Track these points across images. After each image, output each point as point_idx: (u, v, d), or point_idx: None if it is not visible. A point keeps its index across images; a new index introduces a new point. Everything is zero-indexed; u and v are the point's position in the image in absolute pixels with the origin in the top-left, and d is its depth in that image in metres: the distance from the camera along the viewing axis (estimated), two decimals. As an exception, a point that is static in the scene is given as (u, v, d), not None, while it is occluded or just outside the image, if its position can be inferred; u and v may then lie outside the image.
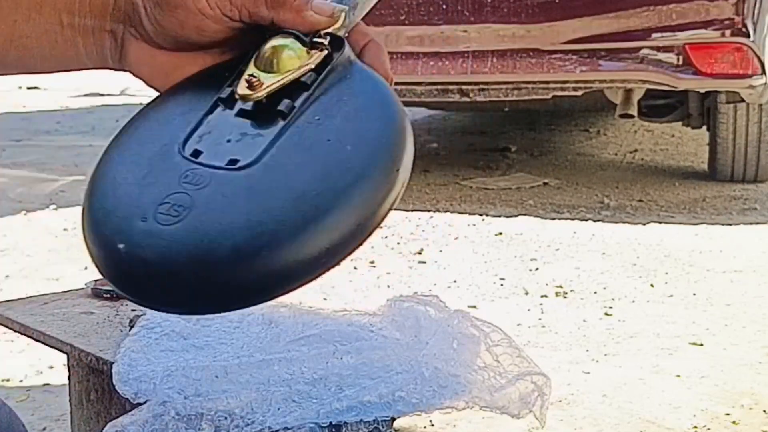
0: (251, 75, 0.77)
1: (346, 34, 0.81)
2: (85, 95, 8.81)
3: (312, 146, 0.74)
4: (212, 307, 0.74)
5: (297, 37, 0.78)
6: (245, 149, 0.75)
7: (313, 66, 0.77)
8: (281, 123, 0.75)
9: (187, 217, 0.71)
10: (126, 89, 9.15)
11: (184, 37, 0.78)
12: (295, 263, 0.71)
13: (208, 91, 0.79)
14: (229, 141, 0.76)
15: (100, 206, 0.76)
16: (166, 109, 0.81)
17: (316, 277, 0.72)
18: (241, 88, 0.77)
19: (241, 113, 0.77)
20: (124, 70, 0.82)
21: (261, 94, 0.76)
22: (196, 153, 0.75)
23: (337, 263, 0.72)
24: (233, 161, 0.74)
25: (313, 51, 0.78)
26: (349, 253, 0.73)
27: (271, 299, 0.73)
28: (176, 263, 0.71)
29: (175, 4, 0.76)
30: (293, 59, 0.77)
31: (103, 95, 8.80)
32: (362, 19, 0.83)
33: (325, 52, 0.78)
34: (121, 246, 0.73)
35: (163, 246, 0.71)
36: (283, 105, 0.76)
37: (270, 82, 0.76)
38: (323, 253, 0.71)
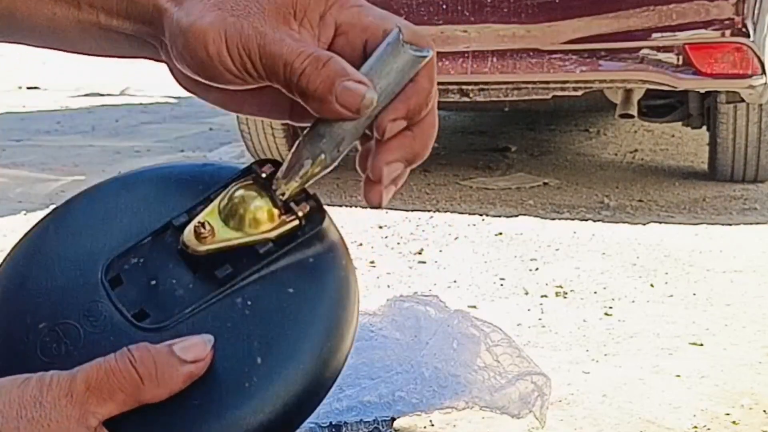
0: (205, 223, 0.67)
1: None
2: (85, 95, 8.81)
3: (228, 340, 0.64)
4: None
5: (271, 198, 0.67)
6: (162, 304, 0.66)
7: (274, 236, 0.67)
8: (210, 294, 0.66)
9: (66, 359, 0.63)
10: (126, 89, 9.15)
11: (210, 82, 0.69)
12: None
13: (169, 205, 0.70)
14: (153, 283, 0.67)
15: (6, 297, 0.68)
16: (117, 202, 0.71)
17: None
18: (187, 235, 0.67)
19: (182, 254, 0.67)
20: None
21: (203, 249, 0.66)
22: (115, 281, 0.67)
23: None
24: (142, 314, 0.66)
25: (284, 217, 0.67)
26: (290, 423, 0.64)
27: None
28: None
29: (194, 49, 0.67)
30: (260, 222, 0.67)
31: (103, 95, 8.81)
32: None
33: (296, 223, 0.67)
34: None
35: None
36: (222, 271, 0.66)
37: (221, 238, 0.67)
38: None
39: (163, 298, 0.66)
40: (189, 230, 0.67)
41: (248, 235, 0.67)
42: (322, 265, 0.68)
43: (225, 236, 0.67)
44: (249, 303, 0.66)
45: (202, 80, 0.69)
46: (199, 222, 0.67)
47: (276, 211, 0.67)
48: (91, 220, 0.71)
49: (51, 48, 0.78)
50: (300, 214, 0.67)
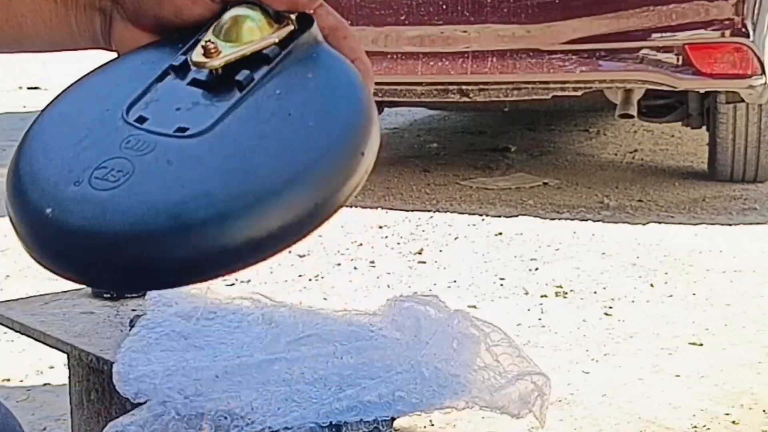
0: (209, 41, 0.71)
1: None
2: (85, 95, 8.81)
3: (270, 119, 0.68)
4: (142, 283, 0.67)
5: (262, 9, 0.72)
6: (196, 118, 0.68)
7: (276, 40, 0.72)
8: (237, 94, 0.69)
9: (125, 183, 0.65)
10: (126, 89, 9.15)
11: (163, 18, 0.75)
12: (241, 242, 0.64)
13: (161, 57, 0.73)
14: (178, 109, 0.69)
15: (28, 169, 0.69)
16: (113, 74, 0.75)
17: (262, 259, 0.65)
18: (197, 55, 0.71)
19: (194, 82, 0.71)
20: (112, 50, 0.79)
21: (217, 62, 0.70)
22: (141, 119, 0.69)
23: (288, 246, 0.66)
24: (182, 129, 0.68)
25: (278, 25, 0.72)
26: (304, 236, 0.66)
27: (208, 279, 0.65)
28: (108, 232, 0.64)
29: None
30: (255, 30, 0.71)
31: (103, 95, 8.81)
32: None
33: (291, 27, 0.73)
34: (48, 210, 0.65)
35: (96, 212, 0.64)
36: (241, 75, 0.70)
37: (228, 51, 0.70)
38: (273, 234, 0.65)
39: (194, 114, 0.68)
40: (197, 52, 0.71)
41: (250, 44, 0.71)
42: (328, 53, 0.73)
43: (229, 50, 0.70)
44: (278, 92, 0.70)
45: (159, 19, 0.75)
46: (204, 41, 0.71)
47: (269, 20, 0.72)
48: (98, 88, 0.74)
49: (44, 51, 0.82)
50: (292, 17, 0.73)
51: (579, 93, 4.33)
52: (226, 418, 1.23)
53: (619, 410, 2.28)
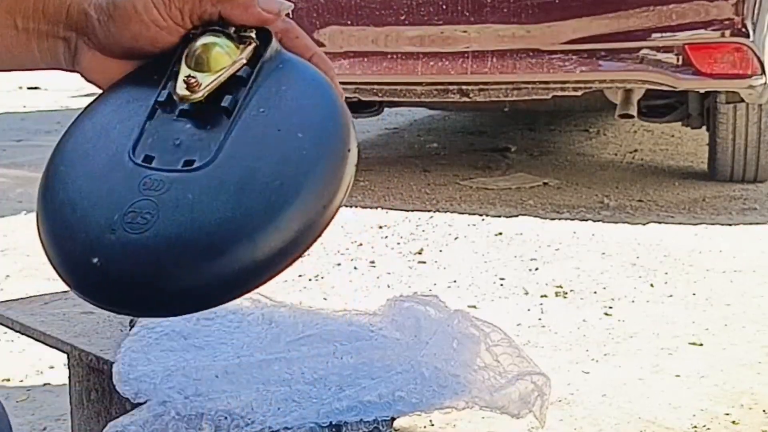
0: (188, 76, 0.76)
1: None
2: (86, 95, 8.81)
3: (264, 138, 0.74)
4: (196, 305, 0.75)
5: (225, 34, 0.78)
6: (198, 149, 0.74)
7: (245, 60, 0.78)
8: (227, 119, 0.75)
9: (156, 223, 0.71)
10: (126, 89, 9.15)
11: (137, 49, 0.79)
12: (271, 252, 0.71)
13: (143, 95, 0.79)
14: (178, 143, 0.75)
15: (62, 223, 0.75)
16: (104, 117, 0.80)
17: (295, 260, 0.73)
18: (180, 90, 0.76)
19: (183, 114, 0.77)
20: (77, 72, 0.83)
21: (200, 94, 0.76)
22: (148, 158, 0.75)
23: (307, 248, 0.73)
24: (189, 162, 0.74)
25: (243, 45, 0.78)
26: (319, 235, 0.74)
27: (252, 290, 0.73)
28: (154, 269, 0.71)
29: (128, 17, 0.77)
30: (225, 56, 0.77)
31: (103, 95, 8.80)
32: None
33: (254, 45, 0.79)
34: (95, 260, 0.72)
35: (139, 254, 0.71)
36: (226, 101, 0.76)
37: (208, 81, 0.76)
38: (293, 239, 0.72)
39: (194, 145, 0.75)
40: (180, 86, 0.76)
41: (226, 67, 0.77)
42: (291, 61, 0.80)
43: (208, 80, 0.76)
44: (261, 110, 0.76)
45: (132, 50, 0.78)
46: (184, 76, 0.76)
47: (234, 43, 0.78)
48: (98, 131, 0.78)
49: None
50: (252, 35, 0.79)
51: (579, 93, 4.33)
52: (226, 418, 1.23)
53: (619, 410, 2.28)
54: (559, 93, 4.29)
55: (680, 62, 4.07)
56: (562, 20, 4.15)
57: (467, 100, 4.42)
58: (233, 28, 0.78)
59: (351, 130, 0.77)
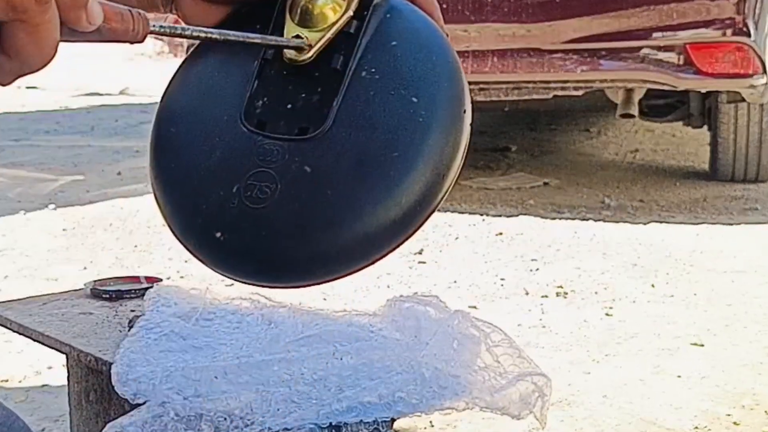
0: (296, 36, 0.74)
1: None
2: (85, 95, 8.81)
3: (377, 103, 0.72)
4: (317, 277, 0.74)
5: None
6: (310, 114, 0.73)
7: (351, 13, 0.74)
8: (338, 82, 0.73)
9: (276, 196, 0.71)
10: (126, 89, 9.15)
11: None
12: (391, 225, 0.72)
13: (249, 50, 0.76)
14: (290, 107, 0.74)
15: (183, 197, 0.74)
16: (210, 74, 0.77)
17: (415, 231, 0.74)
18: (289, 52, 0.74)
19: (292, 74, 0.74)
20: (176, 16, 0.81)
21: (310, 55, 0.74)
22: (261, 124, 0.73)
23: (428, 217, 0.74)
24: (303, 129, 0.72)
25: None
26: (438, 204, 0.74)
27: (372, 263, 0.73)
28: (276, 244, 0.71)
29: None
30: (330, 11, 0.74)
31: (102, 95, 8.80)
32: None
33: None
34: (218, 235, 0.72)
35: (261, 229, 0.71)
36: (336, 61, 0.73)
37: (315, 39, 0.73)
38: (414, 210, 0.72)
39: (307, 110, 0.73)
40: (287, 53, 0.73)
41: (333, 23, 0.74)
42: (401, 8, 0.76)
43: (317, 37, 0.73)
44: (373, 70, 0.73)
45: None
46: (292, 36, 0.73)
47: None
48: (205, 97, 0.76)
49: None
50: None
51: (580, 92, 4.32)
52: (225, 418, 1.22)
53: (620, 411, 2.27)
54: (560, 92, 4.29)
55: (681, 62, 4.07)
56: (563, 19, 4.14)
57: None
58: None
59: (465, 87, 0.75)
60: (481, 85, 4.30)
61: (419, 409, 1.24)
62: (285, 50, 0.74)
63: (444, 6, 3.93)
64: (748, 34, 4.02)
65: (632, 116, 4.63)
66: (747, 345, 2.69)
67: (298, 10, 0.74)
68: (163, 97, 0.79)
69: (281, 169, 0.71)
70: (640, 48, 4.11)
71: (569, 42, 4.14)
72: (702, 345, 2.69)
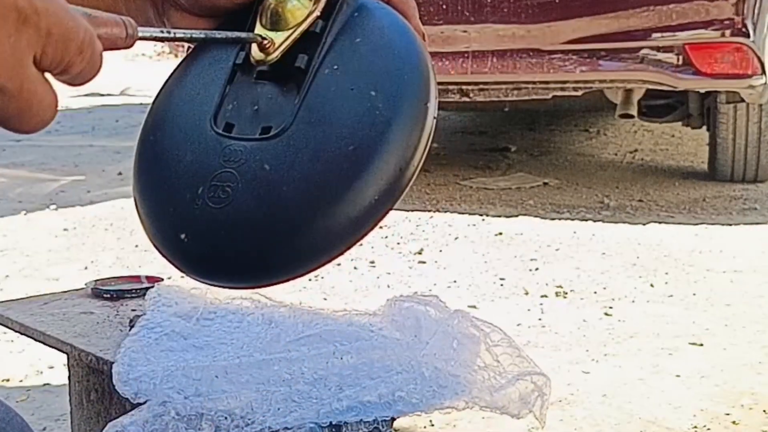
0: (261, 36, 0.75)
1: None
2: (85, 95, 8.81)
3: (336, 99, 0.72)
4: (275, 276, 0.74)
5: None
6: (275, 114, 0.74)
7: (318, 13, 0.75)
8: (301, 80, 0.74)
9: (236, 196, 0.71)
10: (126, 89, 9.15)
11: (219, 8, 0.79)
12: (349, 222, 0.71)
13: (223, 56, 0.78)
14: (256, 108, 0.75)
15: (152, 197, 0.76)
16: (188, 82, 0.79)
17: (374, 227, 0.72)
18: (255, 53, 0.75)
19: (260, 76, 0.76)
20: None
21: (275, 55, 0.74)
22: (228, 126, 0.75)
23: (387, 212, 0.72)
24: (266, 129, 0.73)
25: None
26: (397, 199, 0.73)
27: (331, 260, 0.72)
28: (234, 244, 0.72)
29: None
30: (298, 11, 0.75)
31: (103, 95, 8.80)
32: None
33: None
34: (182, 236, 0.73)
35: (220, 229, 0.71)
36: (300, 61, 0.74)
37: (281, 40, 0.75)
38: (373, 206, 0.71)
39: (272, 110, 0.74)
40: (254, 50, 0.75)
41: (299, 24, 0.75)
42: (369, 6, 0.77)
43: (282, 38, 0.74)
44: (335, 67, 0.73)
45: (214, 8, 0.78)
46: (258, 39, 0.75)
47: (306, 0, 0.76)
48: (180, 102, 0.78)
49: None
50: None
51: (579, 93, 4.33)
52: (225, 418, 1.23)
53: (620, 410, 2.28)
54: (559, 93, 4.29)
55: (680, 62, 4.07)
56: (562, 20, 4.15)
57: (467, 100, 4.41)
58: None
59: (429, 81, 0.74)
60: (481, 86, 4.30)
61: (419, 409, 1.25)
62: (252, 53, 0.75)
63: (444, 6, 3.95)
64: (747, 35, 4.03)
65: (631, 116, 4.63)
66: (746, 345, 2.70)
67: (268, 14, 0.76)
68: (151, 105, 0.81)
69: (242, 169, 0.72)
70: (639, 48, 4.11)
71: (568, 42, 4.15)
72: (701, 345, 2.70)
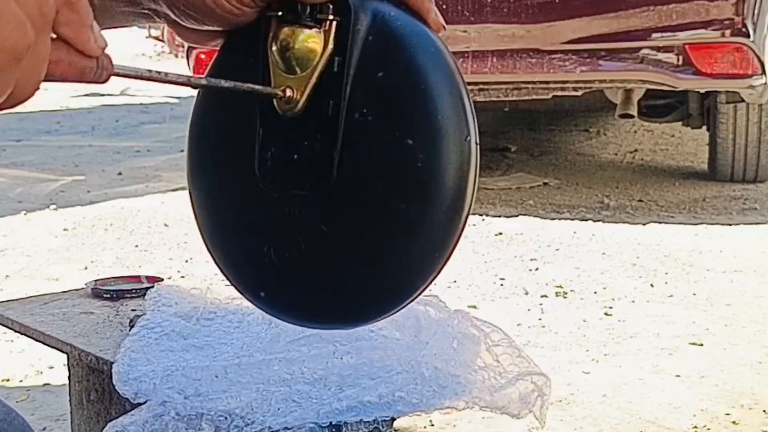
0: (283, 89, 0.71)
1: None
2: (85, 95, 8.81)
3: (374, 152, 0.69)
4: (357, 323, 0.79)
5: (301, 22, 0.71)
6: (316, 166, 0.71)
7: (331, 48, 0.70)
8: (334, 128, 0.70)
9: (300, 249, 0.73)
10: (126, 89, 9.15)
11: (220, 29, 0.76)
12: (408, 274, 0.71)
13: (246, 102, 0.74)
14: (296, 157, 0.72)
15: (227, 261, 0.78)
16: (225, 121, 0.77)
17: (435, 276, 0.72)
18: (280, 105, 0.72)
19: (291, 121, 0.72)
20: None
21: (300, 106, 0.71)
22: (274, 179, 0.73)
23: (449, 255, 0.72)
24: (312, 183, 0.71)
25: (322, 26, 0.70)
26: (455, 242, 0.71)
27: (400, 308, 0.73)
28: (309, 298, 0.74)
29: (203, 12, 0.73)
30: (310, 50, 0.70)
31: (103, 95, 8.80)
32: None
33: (333, 20, 0.70)
34: (262, 294, 0.76)
35: (295, 281, 0.74)
36: (328, 106, 0.70)
37: (302, 88, 0.71)
38: (429, 256, 0.71)
39: (312, 162, 0.71)
40: (277, 101, 0.72)
41: (315, 66, 0.70)
42: (384, 28, 0.71)
43: (302, 84, 0.71)
44: (365, 110, 0.69)
45: (208, 28, 0.75)
46: (278, 93, 0.71)
47: (314, 30, 0.70)
48: (219, 157, 0.77)
49: None
50: (330, 17, 0.70)
51: (579, 93, 4.33)
52: (225, 418, 1.23)
53: (619, 410, 2.28)
54: (560, 93, 4.29)
55: (680, 62, 4.07)
56: (563, 20, 4.15)
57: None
58: (308, 7, 0.71)
59: (466, 111, 0.69)
60: (481, 86, 4.30)
61: (419, 409, 1.25)
62: (275, 102, 0.72)
63: (444, 6, 3.94)
64: (747, 35, 4.03)
65: (631, 116, 4.63)
66: (746, 345, 2.70)
67: (282, 56, 0.72)
68: (188, 141, 0.80)
69: (301, 228, 0.72)
70: (639, 48, 4.11)
71: (569, 42, 4.15)
72: (701, 345, 2.70)
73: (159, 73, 0.65)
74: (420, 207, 0.69)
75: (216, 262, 0.79)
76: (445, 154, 0.69)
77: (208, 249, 0.80)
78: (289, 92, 0.71)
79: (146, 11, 0.78)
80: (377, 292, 0.73)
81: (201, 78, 0.72)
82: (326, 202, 0.71)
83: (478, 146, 0.71)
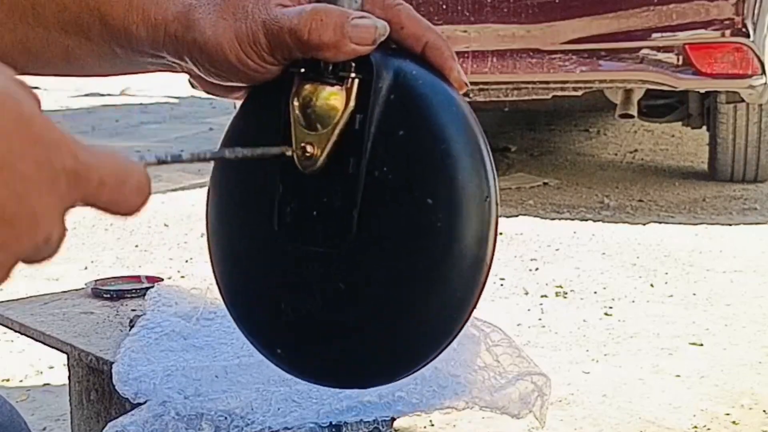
0: (303, 147, 0.71)
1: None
2: (85, 95, 8.81)
3: (393, 211, 0.69)
4: (373, 384, 0.79)
5: (323, 79, 0.71)
6: (335, 223, 0.71)
7: (353, 105, 0.70)
8: (354, 185, 0.70)
9: (318, 312, 0.72)
10: (126, 89, 9.15)
11: (238, 83, 0.76)
12: (430, 334, 0.72)
13: (267, 154, 0.73)
14: (316, 213, 0.72)
15: (244, 317, 0.78)
16: (238, 192, 0.77)
17: (462, 327, 0.74)
18: (299, 161, 0.71)
19: (311, 177, 0.72)
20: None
21: (321, 163, 0.70)
22: (293, 235, 0.73)
23: (473, 308, 0.73)
24: (331, 241, 0.71)
25: (344, 84, 0.70)
26: (478, 296, 0.73)
27: (423, 366, 0.74)
28: (323, 357, 0.74)
29: (223, 67, 0.73)
30: (331, 109, 0.70)
31: (103, 95, 8.81)
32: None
33: (355, 77, 0.70)
34: (278, 351, 0.76)
35: (312, 340, 0.73)
36: (348, 163, 0.70)
37: (322, 144, 0.70)
38: (450, 315, 0.72)
39: (332, 219, 0.71)
40: (298, 157, 0.71)
41: (336, 123, 0.70)
42: (405, 86, 0.71)
43: (323, 141, 0.71)
44: (384, 169, 0.69)
45: (230, 83, 0.75)
46: (298, 150, 0.71)
47: (336, 87, 0.70)
48: (238, 216, 0.77)
49: (69, 76, 0.82)
50: (353, 75, 0.70)
51: (579, 93, 4.33)
52: (225, 418, 1.23)
53: (619, 410, 2.28)
54: (560, 93, 4.29)
55: (680, 62, 4.07)
56: (562, 20, 4.15)
57: (467, 100, 4.41)
58: (331, 65, 0.71)
59: (487, 171, 0.70)
60: (481, 86, 4.30)
61: (419, 408, 1.25)
62: (295, 158, 0.72)
63: (444, 6, 3.94)
64: (747, 35, 4.03)
65: (631, 116, 4.63)
66: (746, 345, 2.70)
67: (302, 114, 0.72)
68: (209, 191, 0.79)
69: (319, 285, 0.72)
70: (639, 48, 4.11)
71: (568, 42, 4.15)
72: (701, 345, 2.70)
73: (179, 154, 0.64)
74: (439, 267, 0.70)
75: (233, 317, 0.79)
76: (465, 215, 0.69)
77: (225, 304, 0.79)
78: (309, 149, 0.71)
79: (170, 63, 0.77)
80: (395, 352, 0.72)
81: (215, 151, 0.71)
82: (345, 260, 0.71)
83: (498, 206, 0.71)
